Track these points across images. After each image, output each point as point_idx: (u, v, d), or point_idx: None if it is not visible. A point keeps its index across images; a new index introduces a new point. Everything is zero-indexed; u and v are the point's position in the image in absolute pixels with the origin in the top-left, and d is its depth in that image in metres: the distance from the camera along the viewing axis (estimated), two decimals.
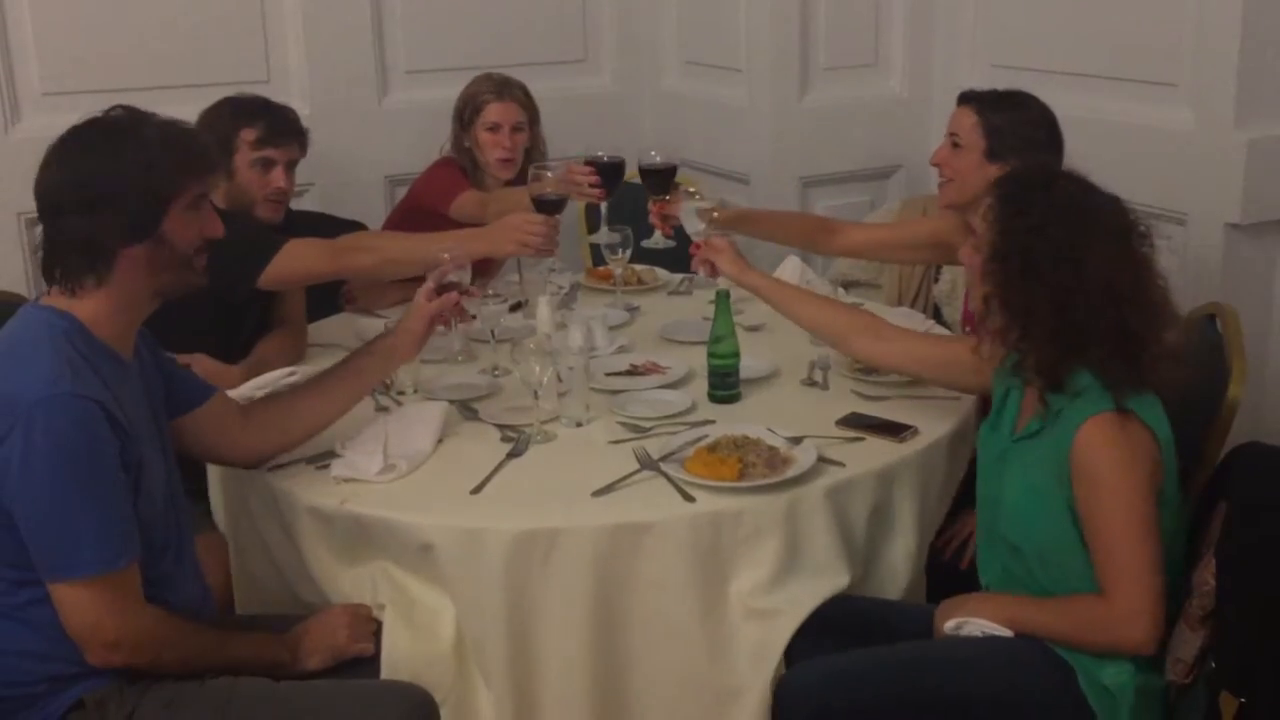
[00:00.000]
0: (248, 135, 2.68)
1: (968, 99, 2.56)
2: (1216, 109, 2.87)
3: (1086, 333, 1.81)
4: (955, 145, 2.53)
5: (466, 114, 3.16)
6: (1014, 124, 2.51)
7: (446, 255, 2.27)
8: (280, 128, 2.75)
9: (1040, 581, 1.90)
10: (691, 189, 2.56)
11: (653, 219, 2.74)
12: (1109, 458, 1.78)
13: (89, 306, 1.78)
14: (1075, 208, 1.84)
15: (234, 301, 2.57)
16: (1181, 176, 2.96)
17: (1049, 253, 1.81)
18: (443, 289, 2.24)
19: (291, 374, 2.34)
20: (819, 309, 2.32)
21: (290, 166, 2.78)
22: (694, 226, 2.52)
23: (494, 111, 3.12)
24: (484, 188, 3.15)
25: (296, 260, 2.54)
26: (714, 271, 2.40)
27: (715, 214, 2.55)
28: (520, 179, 3.04)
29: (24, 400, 1.67)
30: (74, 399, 1.68)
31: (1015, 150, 2.48)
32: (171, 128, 1.82)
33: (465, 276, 2.30)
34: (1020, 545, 1.90)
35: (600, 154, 2.80)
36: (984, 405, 2.33)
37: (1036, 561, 1.89)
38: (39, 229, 1.80)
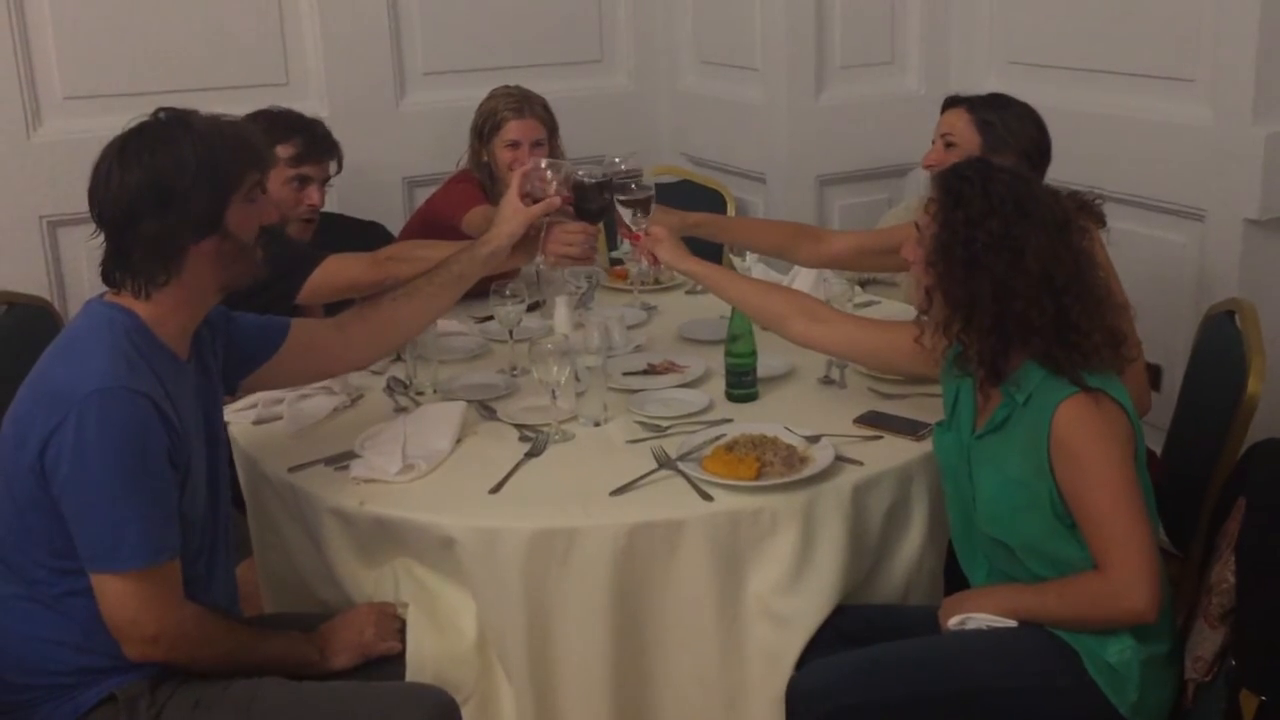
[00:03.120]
0: (284, 152, 2.66)
1: (956, 102, 2.59)
2: (1234, 104, 2.86)
3: (1027, 323, 1.83)
4: (950, 145, 2.55)
5: (486, 130, 3.14)
6: (1005, 120, 2.56)
7: (543, 162, 2.26)
8: (317, 145, 2.75)
9: (1034, 572, 1.91)
10: (631, 183, 2.42)
11: (635, 250, 2.50)
12: (1089, 433, 1.80)
13: (153, 305, 1.81)
14: (1012, 200, 1.86)
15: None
16: (1199, 172, 2.95)
17: (988, 243, 1.84)
18: (534, 198, 2.25)
19: (297, 396, 2.36)
20: (757, 293, 2.32)
21: (324, 183, 2.79)
22: (638, 223, 2.43)
23: (514, 129, 3.10)
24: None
25: (338, 274, 2.55)
26: (656, 260, 2.40)
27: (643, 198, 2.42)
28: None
29: (78, 392, 1.70)
30: (127, 393, 1.71)
31: (1009, 145, 2.52)
32: (221, 122, 1.85)
33: (561, 172, 2.28)
34: (1006, 541, 1.91)
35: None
36: None
37: (1026, 554, 1.90)
38: (100, 238, 1.81)
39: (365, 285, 2.61)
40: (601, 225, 2.61)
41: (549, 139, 3.17)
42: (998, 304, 1.84)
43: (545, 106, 3.18)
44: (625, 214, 2.44)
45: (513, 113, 3.10)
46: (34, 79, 3.33)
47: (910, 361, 2.14)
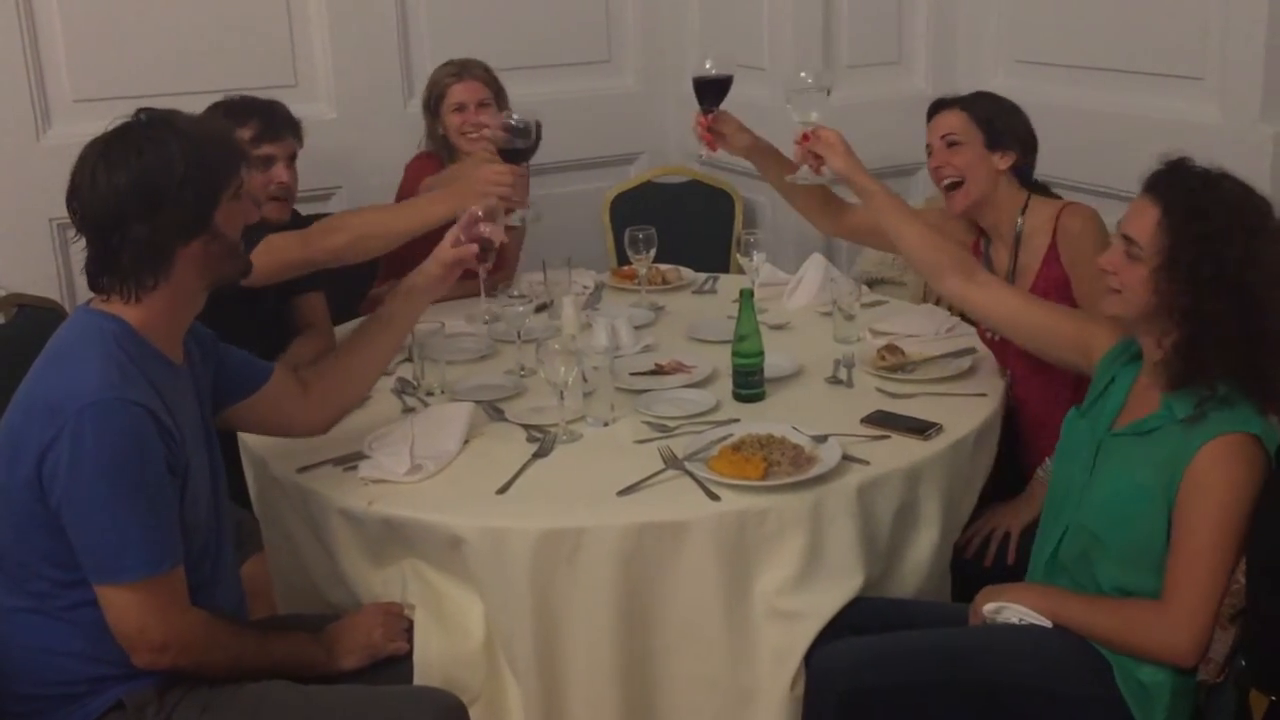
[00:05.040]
0: (242, 135, 2.64)
1: (946, 104, 2.58)
2: (1242, 102, 2.86)
3: (1270, 340, 1.77)
4: (953, 144, 2.52)
5: (432, 102, 3.19)
6: (998, 113, 2.55)
7: (477, 209, 2.22)
8: (273, 123, 2.75)
9: (1099, 577, 1.89)
10: (803, 74, 2.31)
11: (697, 130, 2.65)
12: (1230, 477, 1.76)
13: (142, 310, 1.79)
14: (1247, 209, 1.80)
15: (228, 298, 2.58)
16: None
17: (1232, 256, 1.76)
18: (476, 241, 2.21)
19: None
20: (923, 237, 2.26)
21: (291, 160, 2.79)
22: (803, 113, 2.30)
23: (457, 92, 3.14)
24: None
25: (271, 252, 2.51)
26: (819, 165, 2.27)
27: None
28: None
29: (73, 404, 1.68)
30: (122, 404, 1.69)
31: (1009, 139, 2.52)
32: (205, 123, 1.84)
33: (499, 221, 2.24)
34: (1103, 538, 1.88)
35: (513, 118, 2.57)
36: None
37: (1113, 555, 1.87)
38: (82, 241, 1.80)
39: (298, 261, 2.58)
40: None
41: (496, 100, 3.17)
42: (1243, 321, 1.77)
43: (486, 69, 3.21)
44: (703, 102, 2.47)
45: (454, 78, 3.15)
46: (43, 82, 3.35)
47: (1069, 349, 2.10)
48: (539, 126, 2.52)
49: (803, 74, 2.31)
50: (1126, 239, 1.87)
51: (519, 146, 2.49)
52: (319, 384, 2.13)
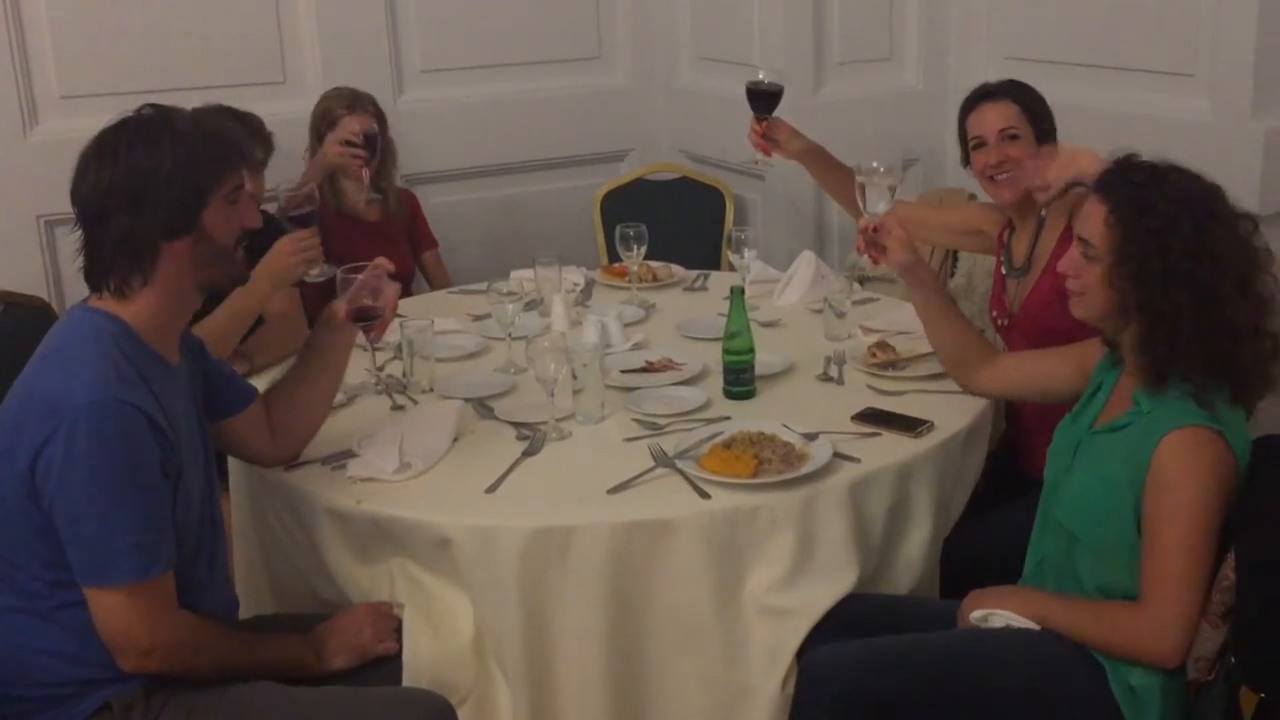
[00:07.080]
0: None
1: (995, 94, 2.54)
2: (1233, 99, 2.86)
3: (1235, 330, 1.77)
4: (1013, 137, 2.50)
5: (322, 128, 3.25)
6: (1042, 106, 2.54)
7: (357, 276, 2.18)
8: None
9: (1082, 577, 1.89)
10: (875, 163, 2.29)
11: (752, 137, 2.83)
12: (1188, 469, 1.76)
13: (135, 308, 1.78)
14: (1195, 198, 1.80)
15: None
16: (1199, 167, 2.89)
17: (1184, 249, 1.76)
18: (359, 312, 2.17)
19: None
20: (956, 333, 2.27)
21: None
22: (875, 205, 2.26)
23: (348, 124, 3.20)
24: (342, 191, 3.28)
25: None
26: (879, 257, 2.25)
27: (892, 190, 2.30)
28: (374, 180, 3.23)
29: (68, 404, 1.67)
30: (118, 405, 1.68)
31: (1048, 130, 2.51)
32: (205, 121, 1.82)
33: (385, 289, 2.20)
34: (1079, 535, 1.89)
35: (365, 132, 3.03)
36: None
37: (1089, 554, 1.88)
38: (79, 235, 1.79)
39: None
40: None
41: (381, 130, 3.25)
42: (1203, 314, 1.77)
43: (374, 103, 3.29)
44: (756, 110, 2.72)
45: (346, 110, 3.21)
46: (30, 78, 3.33)
47: (1075, 388, 2.09)
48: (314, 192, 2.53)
49: (875, 163, 2.30)
50: (1082, 241, 1.88)
51: (307, 210, 2.48)
52: (278, 416, 2.12)
